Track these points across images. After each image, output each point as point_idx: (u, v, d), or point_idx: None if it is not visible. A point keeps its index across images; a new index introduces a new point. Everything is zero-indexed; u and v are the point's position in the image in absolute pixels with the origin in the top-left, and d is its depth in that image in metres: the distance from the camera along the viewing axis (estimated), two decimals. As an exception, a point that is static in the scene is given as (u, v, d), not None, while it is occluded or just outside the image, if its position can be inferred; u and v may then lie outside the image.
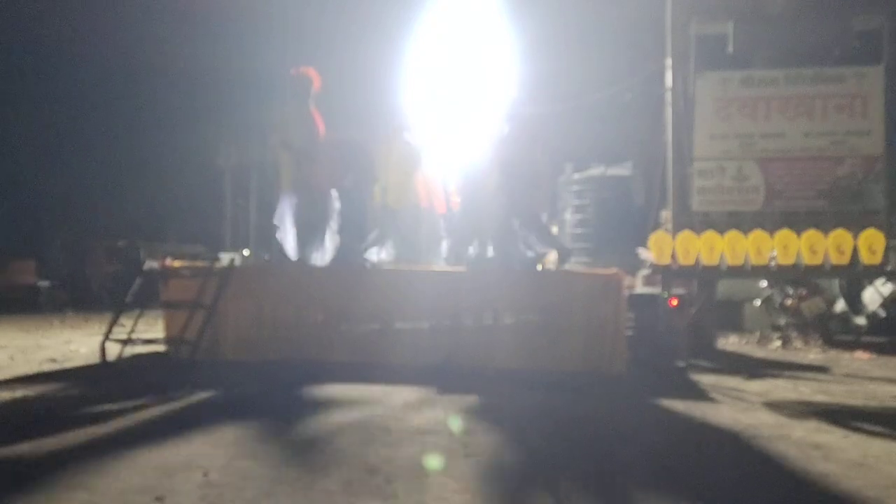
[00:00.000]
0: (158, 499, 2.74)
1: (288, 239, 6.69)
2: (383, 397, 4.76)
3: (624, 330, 6.18)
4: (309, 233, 6.71)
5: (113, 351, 5.93)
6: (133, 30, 18.02)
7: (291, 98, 6.74)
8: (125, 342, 6.01)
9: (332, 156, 6.77)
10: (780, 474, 3.25)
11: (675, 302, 6.91)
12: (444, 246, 7.56)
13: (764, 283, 8.65)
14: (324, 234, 6.85)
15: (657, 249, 6.78)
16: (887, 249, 6.66)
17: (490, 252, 6.85)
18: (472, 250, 7.06)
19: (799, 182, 7.23)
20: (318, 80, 6.76)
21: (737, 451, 3.68)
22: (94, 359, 6.09)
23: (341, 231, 7.11)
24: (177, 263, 7.01)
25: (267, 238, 6.79)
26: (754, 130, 7.30)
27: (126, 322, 6.46)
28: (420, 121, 7.74)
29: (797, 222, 6.91)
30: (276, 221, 6.75)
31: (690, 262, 6.76)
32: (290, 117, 6.65)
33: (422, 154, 7.57)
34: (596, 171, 12.20)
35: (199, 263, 7.28)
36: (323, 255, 6.84)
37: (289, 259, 6.68)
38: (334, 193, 6.97)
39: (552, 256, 7.34)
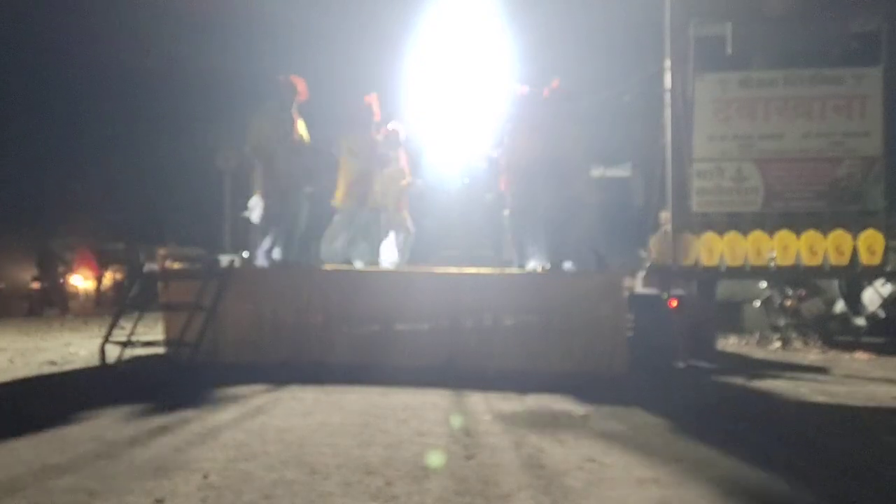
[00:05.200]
0: (158, 501, 2.74)
1: (262, 241, 6.75)
2: (383, 399, 4.75)
3: (624, 331, 6.19)
4: (279, 234, 6.74)
5: (112, 353, 5.94)
6: (133, 34, 18.03)
7: (273, 103, 6.75)
8: (125, 344, 6.02)
9: (291, 157, 6.78)
10: (780, 476, 3.24)
11: (674, 303, 6.92)
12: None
13: (763, 284, 8.66)
14: (292, 234, 6.87)
15: (656, 250, 6.79)
16: (886, 250, 6.67)
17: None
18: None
19: (798, 183, 7.23)
20: (305, 89, 6.77)
21: (736, 452, 3.68)
22: (94, 361, 6.09)
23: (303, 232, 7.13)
24: (176, 265, 7.02)
25: (253, 240, 6.86)
26: (753, 131, 7.31)
27: (126, 324, 6.47)
28: (418, 123, 7.76)
29: (796, 223, 6.91)
30: (254, 220, 6.81)
31: (690, 262, 6.76)
32: (262, 122, 6.66)
33: (390, 154, 7.60)
34: (595, 172, 12.20)
35: (199, 265, 7.29)
36: (293, 255, 6.86)
37: (260, 258, 6.71)
38: (301, 196, 6.99)
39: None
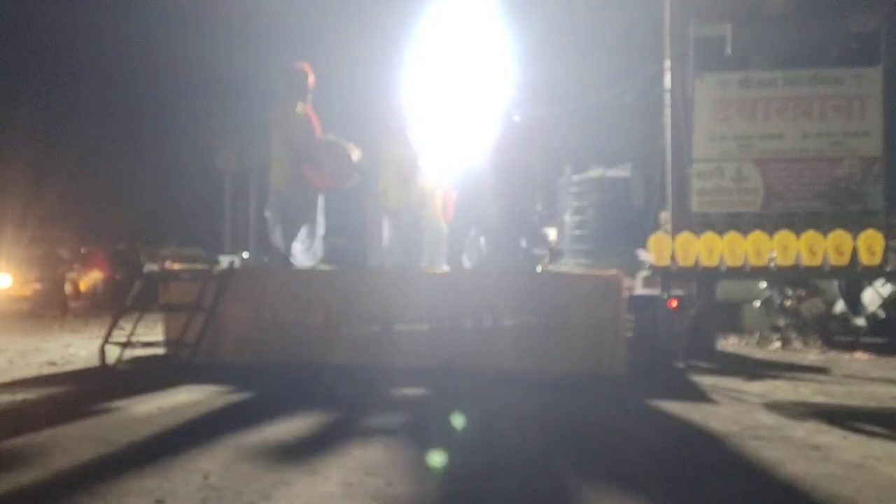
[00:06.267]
0: (158, 501, 2.74)
1: (277, 234, 6.74)
2: (383, 399, 4.75)
3: (624, 331, 6.19)
4: (296, 229, 6.73)
5: (112, 354, 5.93)
6: (133, 34, 18.04)
7: (287, 95, 6.76)
8: (125, 345, 6.01)
9: (335, 157, 6.78)
10: (780, 475, 3.25)
11: (674, 303, 6.91)
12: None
13: (763, 285, 8.65)
14: (312, 230, 6.87)
15: (656, 251, 6.79)
16: (886, 250, 6.66)
17: (487, 254, 6.80)
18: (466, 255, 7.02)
19: (798, 183, 7.23)
20: (313, 76, 6.79)
21: (737, 452, 3.68)
22: (94, 362, 6.09)
23: (343, 233, 7.12)
24: (176, 266, 7.01)
25: (265, 238, 6.86)
26: (753, 132, 7.31)
27: (125, 325, 6.46)
28: (419, 121, 7.74)
29: (796, 223, 6.91)
30: (266, 214, 6.80)
31: (690, 263, 6.76)
32: (287, 114, 6.67)
33: (422, 156, 7.56)
34: (595, 172, 12.22)
35: (199, 266, 7.29)
36: (313, 253, 6.86)
37: (280, 255, 6.72)
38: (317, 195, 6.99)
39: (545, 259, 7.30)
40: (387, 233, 7.28)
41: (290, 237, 6.71)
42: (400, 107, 7.36)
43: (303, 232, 6.80)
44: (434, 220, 7.71)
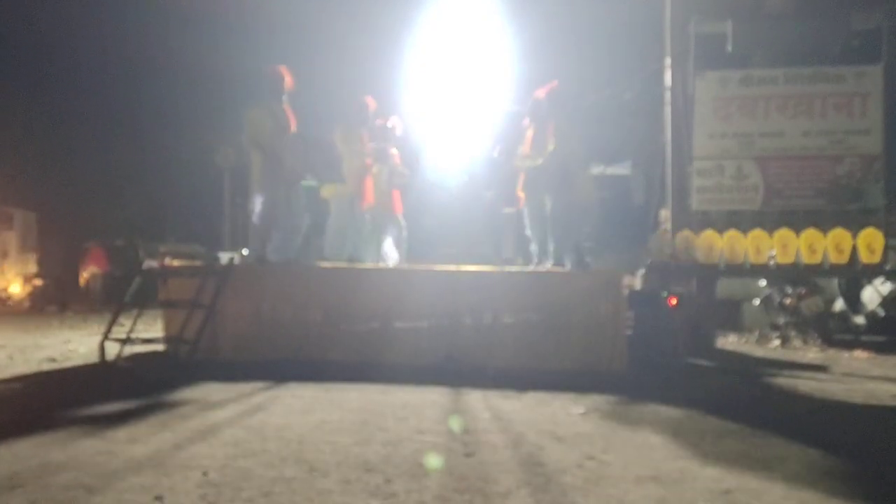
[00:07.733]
0: (158, 498, 2.74)
1: (253, 236, 6.71)
2: (382, 396, 4.75)
3: (623, 329, 6.18)
4: (276, 228, 6.69)
5: (112, 350, 5.93)
6: (132, 30, 18.01)
7: (264, 95, 6.73)
8: (124, 341, 6.02)
9: (295, 150, 6.76)
10: (780, 474, 3.24)
11: (674, 301, 6.92)
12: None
13: (763, 282, 8.66)
14: (293, 229, 6.82)
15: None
16: (886, 248, 6.67)
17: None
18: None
19: (798, 181, 7.23)
20: (290, 78, 6.75)
21: (735, 451, 3.67)
22: (93, 358, 6.09)
23: (310, 228, 7.12)
24: (176, 263, 7.01)
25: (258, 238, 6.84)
26: (753, 129, 7.30)
27: (125, 321, 6.46)
28: (383, 119, 7.73)
29: (796, 221, 6.91)
30: (254, 220, 6.73)
31: (689, 260, 6.76)
32: (259, 115, 6.62)
33: (384, 149, 7.54)
34: (595, 170, 12.18)
35: (198, 263, 7.28)
36: (292, 247, 6.83)
37: (261, 258, 6.68)
38: (300, 190, 6.96)
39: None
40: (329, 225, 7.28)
41: (266, 232, 6.65)
42: (361, 104, 7.34)
43: (284, 226, 6.75)
44: (383, 213, 7.65)
